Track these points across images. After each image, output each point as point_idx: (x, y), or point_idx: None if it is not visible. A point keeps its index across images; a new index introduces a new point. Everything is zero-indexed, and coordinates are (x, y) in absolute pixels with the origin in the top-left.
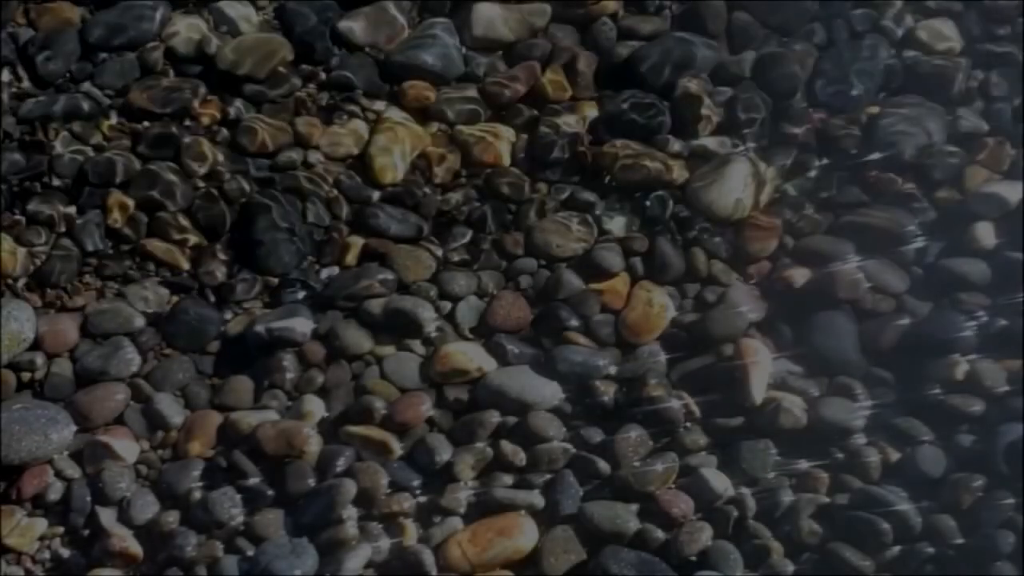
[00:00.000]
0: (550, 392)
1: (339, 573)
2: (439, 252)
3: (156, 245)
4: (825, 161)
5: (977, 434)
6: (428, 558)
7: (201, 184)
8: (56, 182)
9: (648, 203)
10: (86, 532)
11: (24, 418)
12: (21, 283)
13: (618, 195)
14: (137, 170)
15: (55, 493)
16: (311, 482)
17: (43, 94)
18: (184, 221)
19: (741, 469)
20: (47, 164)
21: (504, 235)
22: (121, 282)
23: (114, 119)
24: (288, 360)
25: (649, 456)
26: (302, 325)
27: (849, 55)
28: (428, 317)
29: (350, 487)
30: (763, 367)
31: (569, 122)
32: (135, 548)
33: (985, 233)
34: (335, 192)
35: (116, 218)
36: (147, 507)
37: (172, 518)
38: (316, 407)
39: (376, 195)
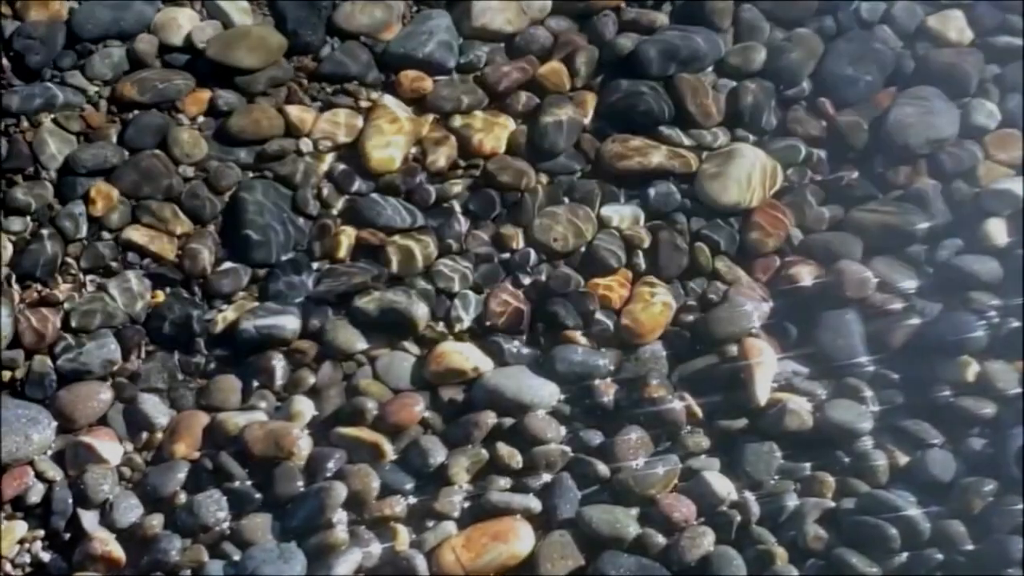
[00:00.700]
0: (548, 393)
1: None
2: (434, 245)
3: (141, 235)
4: (834, 154)
5: (988, 437)
6: (421, 563)
7: (189, 174)
8: (41, 173)
9: (651, 196)
10: (67, 535)
11: (4, 418)
12: (2, 275)
13: (620, 188)
14: (123, 160)
15: (36, 495)
16: (300, 485)
17: (29, 86)
18: (170, 211)
19: (745, 472)
20: (31, 155)
21: (503, 228)
22: (103, 274)
23: (102, 109)
24: (277, 359)
25: (650, 459)
26: (292, 322)
27: (858, 45)
28: (423, 315)
29: (340, 490)
30: (768, 367)
31: (570, 112)
32: (118, 552)
33: (997, 230)
34: (327, 182)
35: (100, 208)
36: (130, 510)
37: (156, 521)
38: (306, 408)
39: (370, 186)
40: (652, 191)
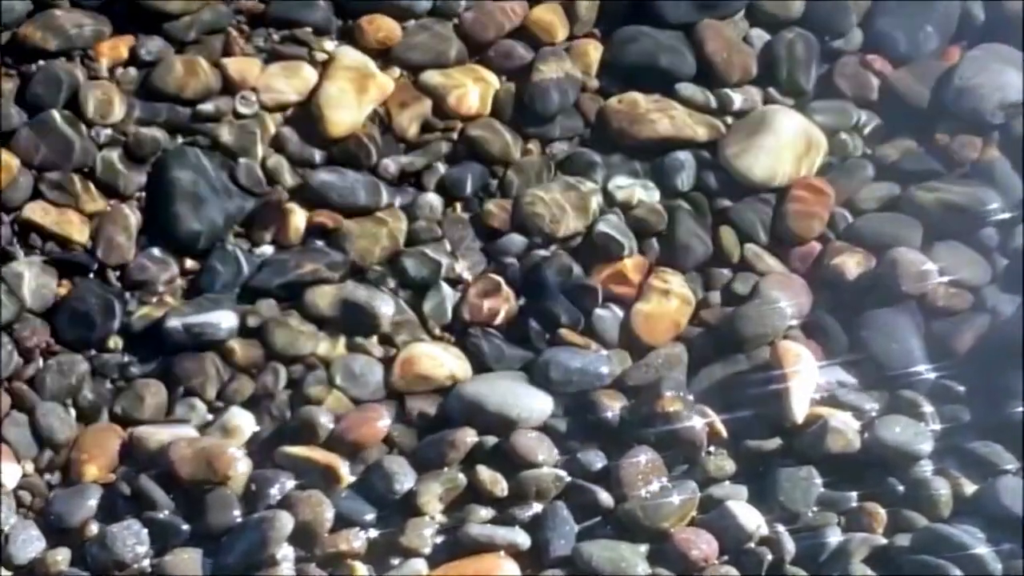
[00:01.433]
0: (540, 406)
1: None
2: (403, 227)
3: (44, 214)
4: (888, 120)
5: None
6: None
7: (104, 139)
8: None
9: (666, 169)
10: None
11: None
12: None
13: (629, 158)
14: (23, 122)
15: None
16: (237, 515)
17: None
18: (80, 185)
19: (778, 502)
20: None
21: (485, 207)
22: None
23: None
24: (209, 362)
25: (663, 486)
26: (228, 319)
27: None
28: (387, 311)
29: (286, 521)
30: (807, 377)
31: (568, 67)
32: None
33: None
34: (273, 151)
35: None
36: (30, 543)
37: (61, 557)
38: (245, 422)
39: (325, 156)
40: (668, 163)
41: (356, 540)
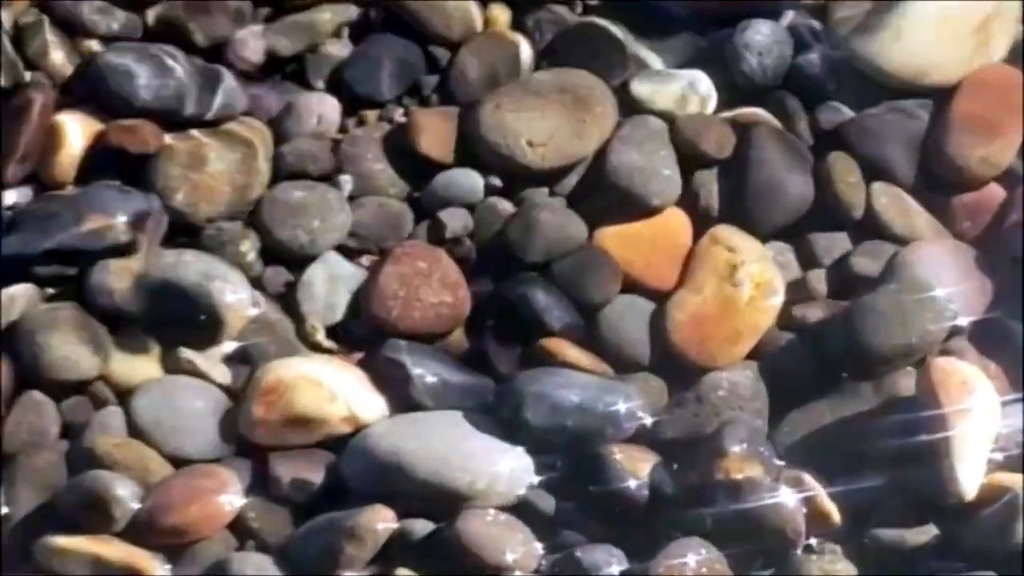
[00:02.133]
0: (509, 469)
1: None
2: (265, 153)
3: None
4: None
5: None
6: None
7: None
8: None
9: (734, 48)
10: None
11: None
12: None
13: (663, 37)
14: None
15: None
16: None
17: None
18: None
19: None
20: None
21: (413, 119)
22: None
23: None
24: None
25: None
26: None
27: None
28: (236, 301)
29: None
30: (982, 420)
31: None
32: None
33: None
34: (35, 8)
35: None
36: None
37: None
38: None
39: (130, 23)
40: (737, 40)
41: None
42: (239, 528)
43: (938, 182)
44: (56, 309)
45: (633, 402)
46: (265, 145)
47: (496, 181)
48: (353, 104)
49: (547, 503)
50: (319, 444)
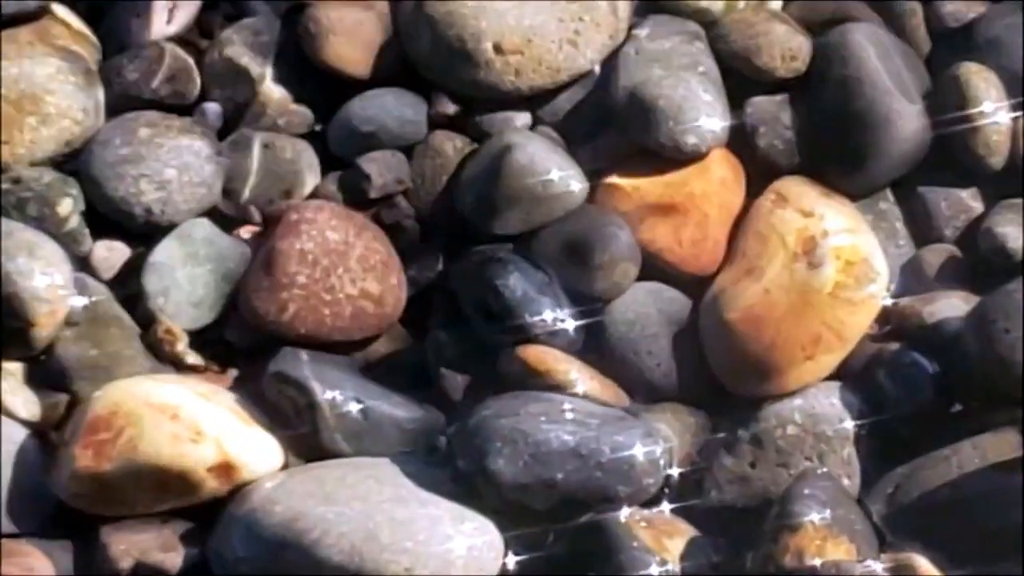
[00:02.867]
0: (467, 547)
1: None
2: (86, 66)
3: None
4: None
5: None
6: None
7: None
8: None
9: None
10: None
11: None
12: None
13: None
14: None
15: None
16: None
17: None
18: None
19: None
20: None
21: (314, 7)
22: None
23: None
24: None
25: None
26: None
27: None
28: (41, 286)
29: None
30: None
31: None
32: None
33: None
34: None
35: None
36: None
37: None
38: None
39: None
40: None
41: None
42: None
43: None
44: None
45: (657, 446)
46: (92, 55)
47: (447, 107)
48: None
49: None
50: (177, 510)
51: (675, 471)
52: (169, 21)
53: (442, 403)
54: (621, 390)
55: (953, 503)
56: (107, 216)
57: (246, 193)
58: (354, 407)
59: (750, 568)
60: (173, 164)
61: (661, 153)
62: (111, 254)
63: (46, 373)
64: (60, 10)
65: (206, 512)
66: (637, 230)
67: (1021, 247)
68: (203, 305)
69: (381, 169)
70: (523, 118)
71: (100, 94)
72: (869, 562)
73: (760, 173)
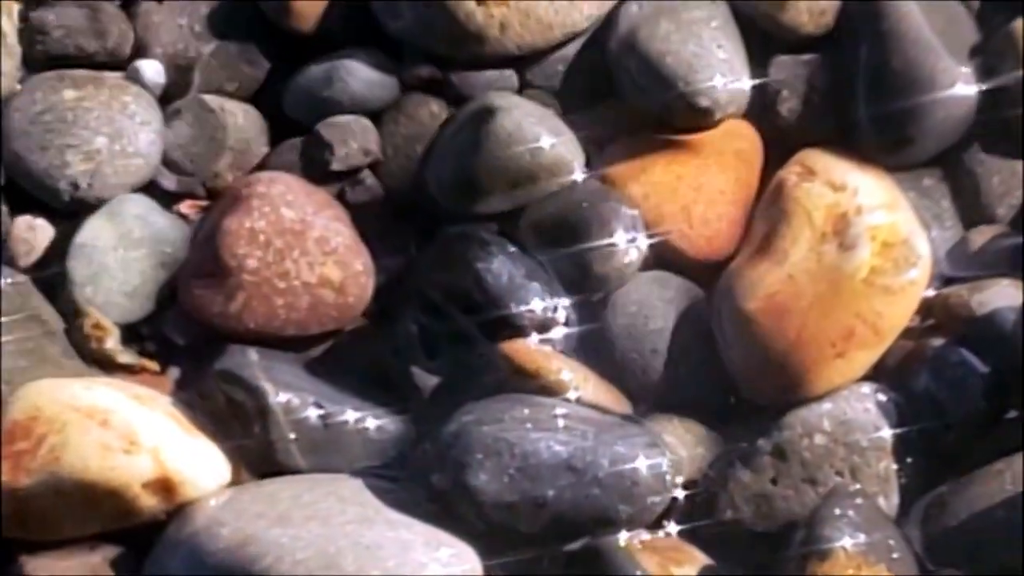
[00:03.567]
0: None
1: None
2: (5, 20)
3: None
4: None
5: None
6: None
7: None
8: None
9: None
10: None
11: None
12: None
13: None
14: None
15: None
16: None
17: None
18: None
19: None
20: None
21: None
22: None
23: None
24: None
25: None
26: None
27: None
28: None
29: None
30: None
31: None
32: None
33: None
34: None
35: None
36: None
37: None
38: None
39: None
40: None
41: None
42: None
43: None
44: None
45: (662, 458)
46: (9, 7)
47: (421, 68)
48: None
49: None
50: (108, 533)
51: (682, 488)
52: None
53: (414, 409)
54: (621, 394)
55: (1006, 525)
56: (26, 191)
57: (188, 164)
58: (312, 413)
59: None
60: (104, 131)
61: (668, 120)
62: (32, 234)
63: None
64: None
65: (142, 535)
66: (640, 209)
67: None
68: (138, 295)
69: (344, 137)
70: (509, 79)
71: (18, 51)
72: None
73: (783, 143)
